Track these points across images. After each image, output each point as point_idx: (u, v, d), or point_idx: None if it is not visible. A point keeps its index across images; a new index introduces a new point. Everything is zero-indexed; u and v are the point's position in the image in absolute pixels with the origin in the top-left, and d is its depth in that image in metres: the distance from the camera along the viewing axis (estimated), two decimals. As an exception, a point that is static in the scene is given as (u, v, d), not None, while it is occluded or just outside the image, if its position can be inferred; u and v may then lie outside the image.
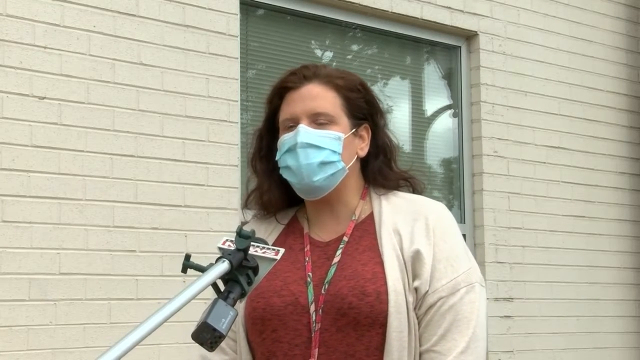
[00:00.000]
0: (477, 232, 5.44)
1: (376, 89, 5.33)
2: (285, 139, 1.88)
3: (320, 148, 1.85)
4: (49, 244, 3.84)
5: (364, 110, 1.94)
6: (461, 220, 5.48)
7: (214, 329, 1.42)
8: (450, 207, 5.51)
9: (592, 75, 6.05)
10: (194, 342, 1.47)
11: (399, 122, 5.40)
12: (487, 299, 5.83)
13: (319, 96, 1.89)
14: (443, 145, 5.59)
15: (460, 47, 5.55)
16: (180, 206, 4.22)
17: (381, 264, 1.81)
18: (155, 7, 4.24)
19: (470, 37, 5.55)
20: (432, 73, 5.62)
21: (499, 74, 5.57)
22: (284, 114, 1.91)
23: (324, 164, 1.85)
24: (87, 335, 3.88)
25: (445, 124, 5.64)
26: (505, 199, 5.51)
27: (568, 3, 5.98)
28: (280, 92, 1.94)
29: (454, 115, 5.60)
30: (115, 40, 4.10)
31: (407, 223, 1.86)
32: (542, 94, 5.76)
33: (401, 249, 1.82)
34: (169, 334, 3.88)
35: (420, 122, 5.54)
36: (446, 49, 5.58)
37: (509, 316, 5.45)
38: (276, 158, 1.90)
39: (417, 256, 1.80)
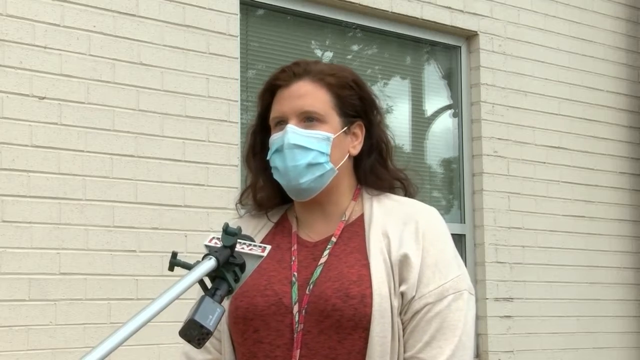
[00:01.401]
0: (477, 232, 5.44)
1: (376, 89, 5.32)
2: (274, 139, 1.86)
3: (308, 149, 1.82)
4: (49, 244, 3.84)
5: (357, 108, 1.90)
6: (461, 220, 5.48)
7: (202, 326, 1.42)
8: (450, 207, 5.57)
9: (592, 75, 6.05)
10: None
11: (399, 122, 5.40)
12: (487, 299, 5.83)
13: (308, 94, 1.85)
14: (443, 145, 5.59)
15: (460, 47, 5.56)
16: (180, 206, 4.22)
17: (367, 266, 1.77)
18: (155, 7, 4.24)
19: (470, 37, 5.55)
20: (432, 73, 5.62)
21: (499, 74, 5.57)
22: (274, 112, 1.88)
23: (311, 165, 1.82)
24: (87, 335, 3.88)
25: (445, 124, 5.64)
26: (505, 199, 5.51)
27: (568, 3, 5.98)
28: (271, 89, 1.91)
29: (454, 115, 5.60)
30: (115, 40, 4.10)
31: (397, 226, 1.82)
32: (542, 94, 5.76)
33: (389, 253, 1.79)
34: (169, 334, 3.88)
35: (420, 122, 5.54)
36: (446, 49, 5.58)
37: (509, 316, 5.45)
38: (267, 157, 1.88)
39: (404, 260, 1.77)
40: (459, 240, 5.44)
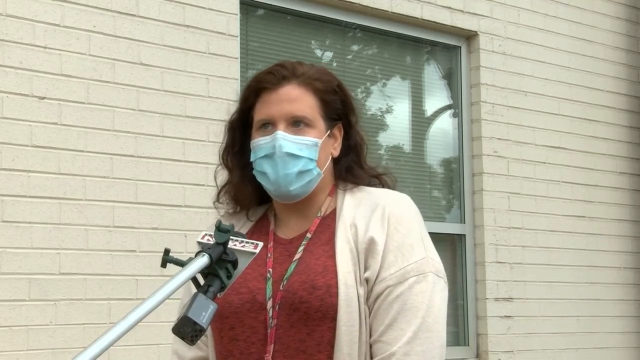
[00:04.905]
0: (477, 232, 5.44)
1: (376, 89, 5.33)
2: (261, 144, 1.85)
3: (298, 157, 1.83)
4: (49, 244, 3.84)
5: (339, 111, 1.92)
6: (461, 220, 5.48)
7: (195, 323, 1.43)
8: (450, 207, 5.57)
9: (592, 75, 6.06)
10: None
11: (399, 122, 5.41)
12: (487, 299, 5.82)
13: (297, 99, 1.86)
14: (443, 145, 5.59)
15: (460, 47, 5.56)
16: (180, 206, 4.22)
17: (333, 257, 1.79)
18: (155, 7, 4.24)
19: (470, 37, 5.55)
20: (432, 73, 5.62)
21: (499, 74, 5.57)
22: (260, 114, 1.88)
23: (301, 172, 1.83)
24: (87, 335, 3.88)
25: (445, 124, 5.64)
26: (505, 199, 5.51)
27: (568, 3, 5.98)
28: (256, 91, 1.90)
29: (454, 115, 5.60)
30: (115, 40, 4.10)
31: (365, 215, 1.83)
32: (542, 94, 5.76)
33: (356, 242, 1.80)
34: (169, 334, 3.87)
35: (420, 122, 5.54)
36: (446, 49, 5.58)
37: (509, 316, 5.45)
38: (251, 160, 1.88)
39: (369, 247, 1.78)
40: (459, 240, 5.45)
